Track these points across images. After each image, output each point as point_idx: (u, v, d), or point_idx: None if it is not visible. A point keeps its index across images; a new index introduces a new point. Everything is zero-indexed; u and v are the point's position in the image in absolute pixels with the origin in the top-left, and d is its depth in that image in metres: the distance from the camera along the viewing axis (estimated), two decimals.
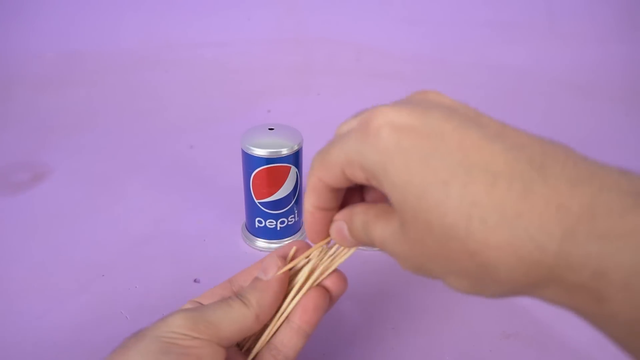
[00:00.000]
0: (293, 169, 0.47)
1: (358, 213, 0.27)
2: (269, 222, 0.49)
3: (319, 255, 0.31)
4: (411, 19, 0.97)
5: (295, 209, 0.50)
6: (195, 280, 0.47)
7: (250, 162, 0.46)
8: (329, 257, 0.31)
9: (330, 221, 0.29)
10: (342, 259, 0.31)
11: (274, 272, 0.30)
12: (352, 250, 0.30)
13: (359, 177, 0.24)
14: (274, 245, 0.50)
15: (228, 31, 0.95)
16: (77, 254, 0.50)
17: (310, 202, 0.28)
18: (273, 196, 0.48)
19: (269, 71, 0.91)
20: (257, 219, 0.49)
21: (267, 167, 0.46)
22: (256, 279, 0.31)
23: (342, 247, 0.30)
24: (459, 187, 0.20)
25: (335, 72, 0.92)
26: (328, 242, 0.31)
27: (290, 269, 0.31)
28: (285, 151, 0.45)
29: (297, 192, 0.49)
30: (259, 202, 0.48)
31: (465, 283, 0.22)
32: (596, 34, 0.92)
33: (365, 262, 0.49)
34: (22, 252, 0.50)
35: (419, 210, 0.21)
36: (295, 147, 0.46)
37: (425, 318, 0.43)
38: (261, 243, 0.51)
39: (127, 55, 0.91)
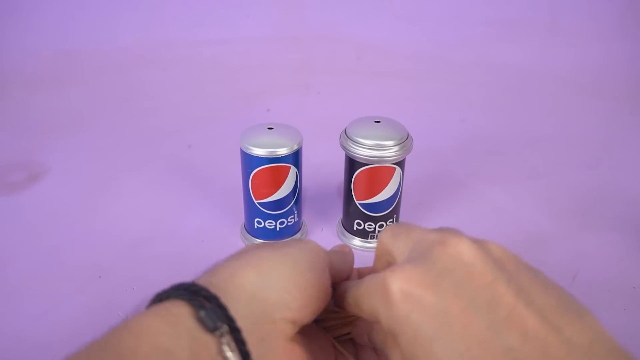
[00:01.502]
0: (293, 169, 0.46)
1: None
2: (268, 222, 0.49)
3: None
4: (412, 17, 0.96)
5: (294, 209, 0.49)
6: None
7: (249, 162, 0.46)
8: None
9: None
10: None
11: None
12: None
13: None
14: None
15: (227, 29, 0.95)
16: (74, 255, 0.49)
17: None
18: (272, 196, 0.47)
19: (269, 69, 0.90)
20: (257, 219, 0.49)
21: (267, 167, 0.45)
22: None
23: None
24: None
25: (336, 70, 0.91)
26: None
27: None
28: (284, 151, 0.45)
29: (296, 192, 0.48)
30: (258, 203, 0.48)
31: None
32: (599, 32, 0.91)
33: (366, 264, 0.49)
34: (17, 253, 0.50)
35: None
36: (295, 147, 0.45)
37: None
38: None
39: (124, 53, 0.90)
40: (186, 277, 0.49)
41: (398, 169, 0.46)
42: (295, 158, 0.46)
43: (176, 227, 0.53)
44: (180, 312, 0.23)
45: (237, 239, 0.52)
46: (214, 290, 0.24)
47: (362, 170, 0.46)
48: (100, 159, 0.66)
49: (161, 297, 0.25)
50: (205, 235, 0.52)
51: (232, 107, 0.80)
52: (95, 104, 0.81)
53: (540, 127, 0.76)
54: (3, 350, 0.39)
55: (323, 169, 0.61)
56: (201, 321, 0.23)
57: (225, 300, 0.24)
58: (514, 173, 0.63)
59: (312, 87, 0.86)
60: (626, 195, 0.59)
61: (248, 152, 0.45)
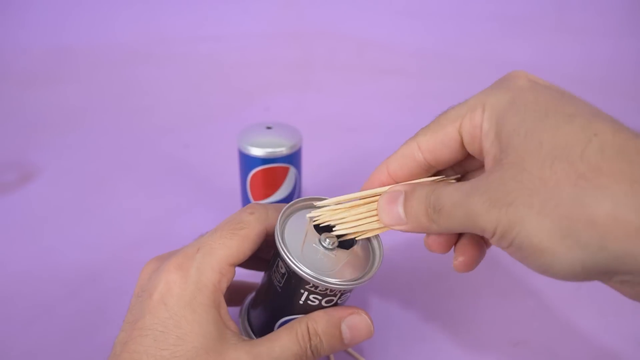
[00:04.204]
0: (292, 170, 0.46)
1: (424, 184, 0.26)
2: None
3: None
4: (415, 12, 0.96)
5: None
6: None
7: (247, 162, 0.45)
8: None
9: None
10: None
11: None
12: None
13: (476, 123, 0.25)
14: None
15: (224, 25, 0.95)
16: (67, 257, 0.49)
17: (389, 167, 0.29)
18: (271, 198, 0.46)
19: (267, 67, 0.90)
20: None
21: (265, 168, 0.45)
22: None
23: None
24: (584, 120, 0.21)
25: (336, 67, 0.90)
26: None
27: None
28: (283, 150, 0.44)
29: (296, 194, 0.47)
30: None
31: (546, 226, 0.20)
32: (606, 27, 0.90)
33: None
34: (9, 255, 0.49)
35: (534, 130, 0.21)
36: (294, 147, 0.45)
37: (430, 325, 0.42)
38: None
39: (118, 50, 0.90)
40: None
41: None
42: (294, 158, 0.45)
43: (172, 229, 0.52)
44: None
45: None
46: None
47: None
48: (95, 159, 0.66)
49: None
50: None
51: (230, 105, 0.80)
52: (90, 102, 0.80)
53: None
54: None
55: (323, 168, 0.60)
56: None
57: None
58: None
59: (312, 85, 0.86)
60: None
61: (246, 152, 0.44)
